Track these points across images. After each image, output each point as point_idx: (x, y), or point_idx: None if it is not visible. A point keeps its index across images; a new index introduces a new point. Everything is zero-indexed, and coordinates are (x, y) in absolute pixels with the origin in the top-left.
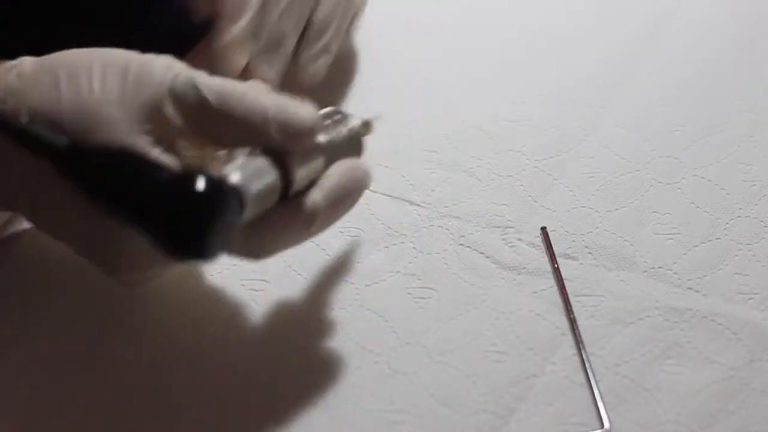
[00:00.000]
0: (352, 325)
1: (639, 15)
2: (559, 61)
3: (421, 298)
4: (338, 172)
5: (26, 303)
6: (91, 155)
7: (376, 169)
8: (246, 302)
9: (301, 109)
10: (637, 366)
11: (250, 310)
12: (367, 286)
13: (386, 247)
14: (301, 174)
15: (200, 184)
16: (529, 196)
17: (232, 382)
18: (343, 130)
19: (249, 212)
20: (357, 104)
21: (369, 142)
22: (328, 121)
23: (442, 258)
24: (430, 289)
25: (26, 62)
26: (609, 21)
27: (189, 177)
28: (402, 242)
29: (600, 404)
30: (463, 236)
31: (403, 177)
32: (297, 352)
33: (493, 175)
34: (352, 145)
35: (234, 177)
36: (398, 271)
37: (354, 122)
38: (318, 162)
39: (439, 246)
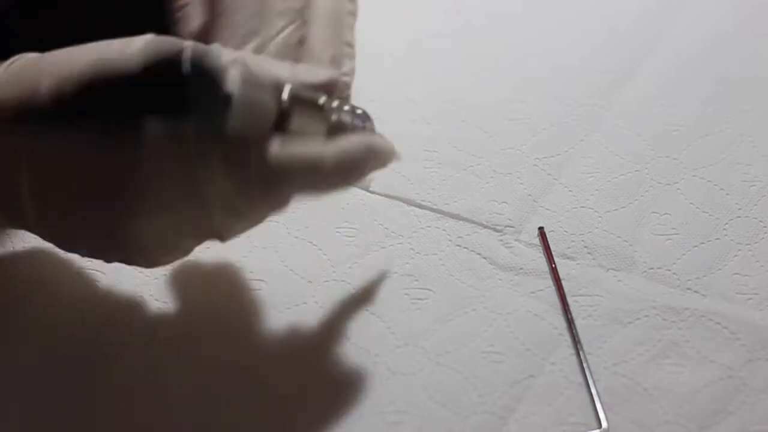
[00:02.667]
0: (350, 326)
1: (639, 15)
2: (559, 60)
3: (419, 299)
4: (357, 137)
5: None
6: None
7: None
8: (243, 303)
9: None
10: (636, 366)
11: (247, 311)
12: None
13: (383, 247)
14: (298, 119)
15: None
16: (529, 195)
17: (230, 383)
18: (352, 123)
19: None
20: (356, 103)
21: None
22: (346, 108)
23: (440, 259)
24: (428, 290)
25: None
26: (609, 21)
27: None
28: (399, 243)
29: (598, 404)
30: (460, 237)
31: (403, 176)
32: (294, 352)
33: (493, 173)
34: None
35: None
36: (395, 272)
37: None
38: (319, 126)
39: (436, 247)
